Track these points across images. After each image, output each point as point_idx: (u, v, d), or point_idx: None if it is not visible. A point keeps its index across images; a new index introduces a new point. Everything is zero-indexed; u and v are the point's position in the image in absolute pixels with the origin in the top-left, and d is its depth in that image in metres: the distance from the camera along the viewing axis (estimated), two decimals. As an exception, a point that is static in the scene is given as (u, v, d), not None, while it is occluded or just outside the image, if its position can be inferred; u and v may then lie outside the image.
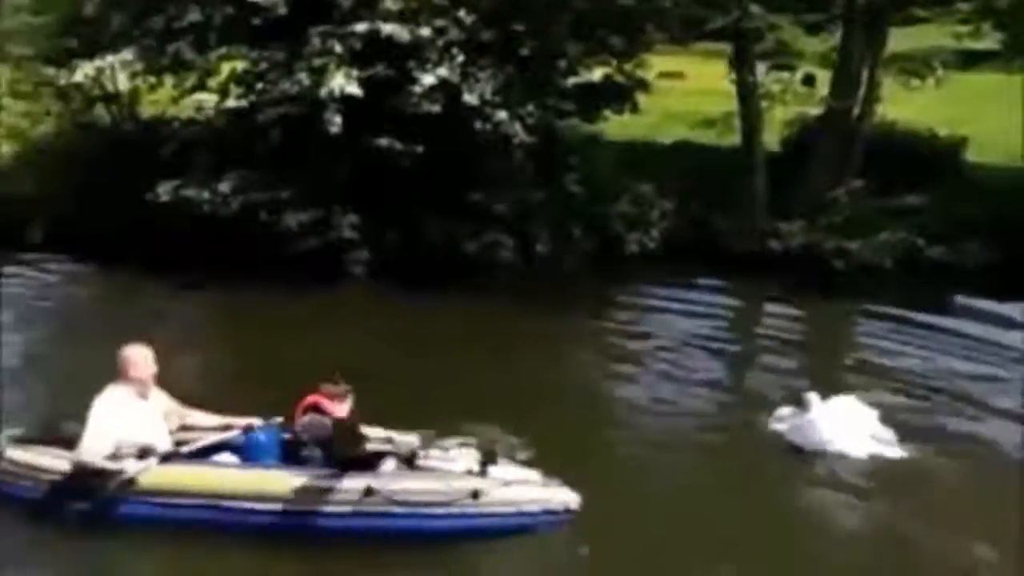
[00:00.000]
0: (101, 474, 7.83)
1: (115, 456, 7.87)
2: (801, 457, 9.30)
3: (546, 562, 7.67)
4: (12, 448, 8.31)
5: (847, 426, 9.43)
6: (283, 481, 7.75)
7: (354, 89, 14.31)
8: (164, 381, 8.37)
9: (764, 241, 15.95)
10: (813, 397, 9.67)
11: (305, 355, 11.07)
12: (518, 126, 15.09)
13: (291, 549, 7.58)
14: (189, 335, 12.98)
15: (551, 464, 8.15)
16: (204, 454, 8.21)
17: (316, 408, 8.03)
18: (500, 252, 15.63)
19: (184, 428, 8.38)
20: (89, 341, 11.68)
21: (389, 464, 8.01)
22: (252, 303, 13.77)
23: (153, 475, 7.83)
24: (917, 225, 15.53)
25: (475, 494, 7.66)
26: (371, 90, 14.47)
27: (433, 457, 7.98)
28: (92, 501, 7.85)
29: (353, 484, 7.66)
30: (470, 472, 7.83)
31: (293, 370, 9.26)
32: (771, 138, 17.55)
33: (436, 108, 14.66)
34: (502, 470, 7.91)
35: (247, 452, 8.21)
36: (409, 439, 8.16)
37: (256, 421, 8.32)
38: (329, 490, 7.68)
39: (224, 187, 14.68)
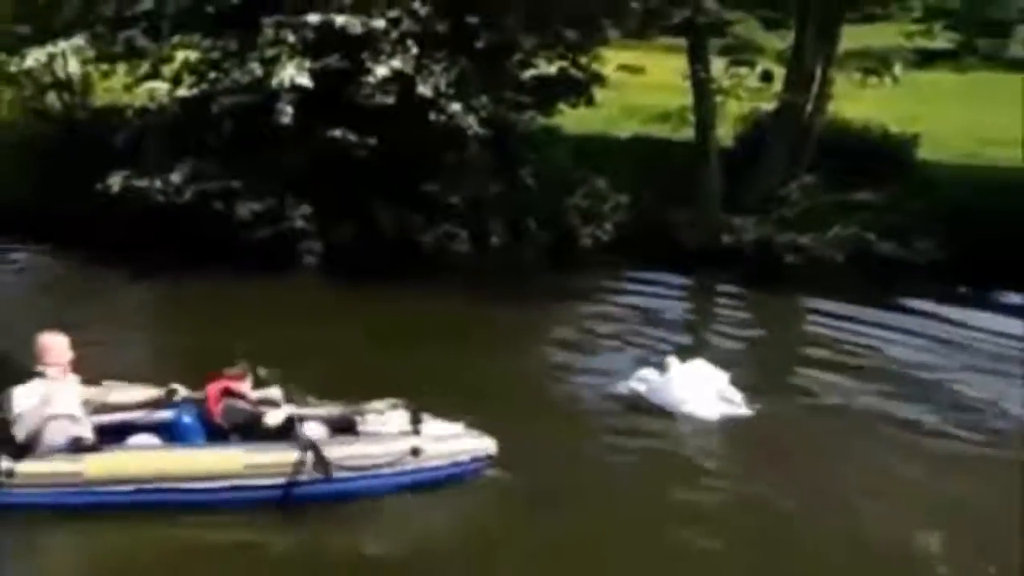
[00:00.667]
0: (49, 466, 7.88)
1: (47, 447, 7.92)
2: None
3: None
4: None
5: (700, 388, 10.22)
6: (235, 458, 8.05)
7: (305, 80, 14.29)
8: (105, 364, 8.57)
9: (717, 235, 16.04)
10: (672, 360, 10.43)
11: (252, 343, 10.94)
12: (472, 118, 15.09)
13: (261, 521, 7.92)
14: (135, 320, 12.91)
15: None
16: (126, 432, 8.37)
17: (228, 392, 8.36)
18: (454, 244, 15.68)
19: (105, 407, 8.42)
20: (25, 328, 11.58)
21: (315, 428, 8.45)
22: (202, 290, 13.72)
23: (97, 464, 7.92)
24: (868, 220, 15.66)
25: (415, 451, 8.30)
26: (324, 81, 14.45)
27: (370, 422, 8.52)
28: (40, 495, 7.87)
29: (303, 456, 8.03)
30: (404, 432, 8.42)
31: (234, 356, 9.25)
32: (726, 133, 17.64)
33: (390, 100, 14.66)
34: (431, 426, 8.56)
35: (175, 432, 8.36)
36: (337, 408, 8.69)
37: (177, 386, 8.42)
38: (282, 463, 8.01)
39: (176, 177, 14.61)
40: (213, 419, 8.31)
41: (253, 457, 8.07)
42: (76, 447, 7.99)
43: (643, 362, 11.00)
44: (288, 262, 14.83)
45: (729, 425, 9.99)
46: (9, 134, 17.41)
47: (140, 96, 16.33)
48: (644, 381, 10.43)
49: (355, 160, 14.80)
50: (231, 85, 14.67)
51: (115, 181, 14.66)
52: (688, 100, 17.13)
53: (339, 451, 8.18)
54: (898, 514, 8.22)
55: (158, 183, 14.63)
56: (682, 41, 17.71)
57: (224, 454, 8.13)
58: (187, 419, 8.39)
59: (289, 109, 14.29)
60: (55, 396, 8.08)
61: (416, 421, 8.55)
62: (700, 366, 10.48)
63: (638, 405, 10.24)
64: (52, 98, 17.55)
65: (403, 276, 14.10)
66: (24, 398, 8.03)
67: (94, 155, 15.23)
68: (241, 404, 8.34)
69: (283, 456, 8.07)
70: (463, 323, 12.84)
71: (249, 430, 8.22)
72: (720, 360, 10.70)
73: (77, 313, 11.84)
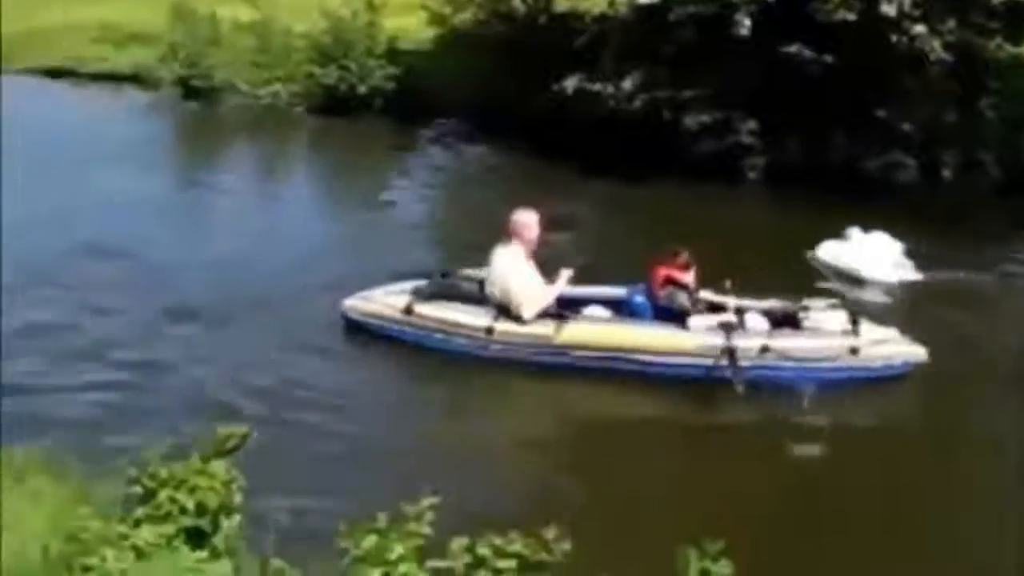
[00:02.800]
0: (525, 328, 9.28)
1: (523, 311, 9.27)
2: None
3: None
4: (419, 304, 9.50)
5: (879, 256, 11.76)
6: (687, 339, 9.15)
7: (766, -8, 14.12)
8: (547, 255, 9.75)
9: None
10: (855, 231, 12.02)
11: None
12: (936, 42, 14.37)
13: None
14: (577, 217, 13.44)
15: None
16: (579, 305, 9.60)
17: (671, 281, 9.38)
18: (900, 173, 15.09)
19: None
20: (478, 209, 13.08)
21: (756, 319, 9.46)
22: (643, 197, 14.05)
23: (566, 331, 9.22)
24: None
25: (853, 350, 9.15)
26: (787, -5, 14.21)
27: (812, 319, 9.41)
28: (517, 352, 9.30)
29: (751, 343, 9.11)
30: (845, 332, 9.26)
31: (677, 248, 9.76)
32: None
33: (851, 17, 14.20)
34: (868, 329, 9.37)
35: (628, 310, 9.54)
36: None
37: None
38: (739, 347, 9.02)
39: (628, 84, 14.94)
40: (658, 301, 9.40)
41: (694, 339, 9.11)
42: (547, 313, 9.26)
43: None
44: (731, 177, 14.83)
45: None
46: (474, 35, 18.38)
47: (599, 2, 16.80)
48: (828, 250, 11.96)
49: (808, 78, 14.50)
50: (691, -6, 14.74)
51: (570, 84, 15.20)
52: None
53: (782, 342, 9.12)
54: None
55: (610, 88, 15.03)
56: None
57: (672, 334, 9.20)
58: (639, 299, 9.52)
59: (747, 21, 14.20)
60: (528, 266, 9.38)
61: (855, 323, 9.33)
62: (881, 237, 11.94)
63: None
64: (517, 1, 18.33)
65: (848, 200, 13.73)
66: (504, 264, 9.32)
67: (553, 58, 15.81)
68: (682, 293, 9.33)
69: (713, 341, 9.06)
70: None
71: (684, 315, 9.28)
72: None
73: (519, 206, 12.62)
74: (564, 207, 13.35)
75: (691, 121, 14.86)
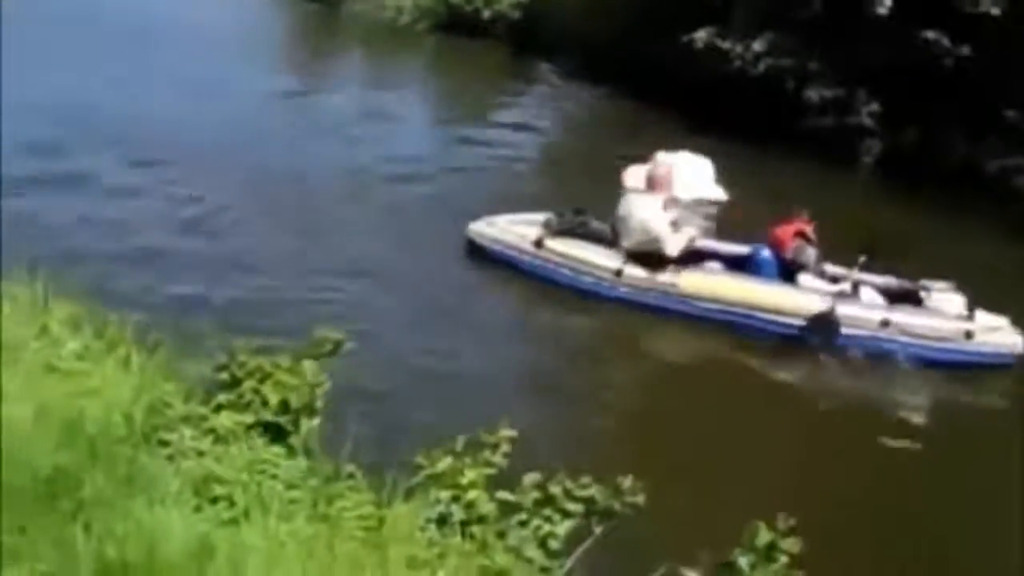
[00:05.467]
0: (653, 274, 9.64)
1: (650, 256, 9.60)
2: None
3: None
4: (550, 238, 9.80)
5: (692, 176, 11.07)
6: (807, 300, 9.39)
7: (910, -26, 13.72)
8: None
9: None
10: (660, 154, 11.21)
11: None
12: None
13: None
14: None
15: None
16: (700, 259, 9.91)
17: (801, 234, 9.67)
18: (1018, 178, 14.64)
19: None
20: (585, 150, 13.37)
21: (871, 293, 9.69)
22: (753, 161, 13.74)
23: (691, 280, 9.59)
24: None
25: (968, 334, 9.35)
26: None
27: (933, 299, 9.60)
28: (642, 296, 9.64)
29: (872, 315, 9.36)
30: (961, 316, 9.49)
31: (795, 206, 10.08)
32: None
33: (995, 11, 13.76)
34: (982, 315, 9.54)
35: (753, 267, 9.76)
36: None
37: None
38: (855, 316, 9.31)
39: (758, 46, 14.67)
40: (784, 257, 9.67)
41: (814, 300, 9.34)
42: (673, 261, 9.61)
43: None
44: (844, 155, 14.50)
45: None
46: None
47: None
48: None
49: (939, 67, 14.11)
50: (835, -36, 14.39)
51: (700, 37, 15.00)
52: None
53: (903, 317, 9.38)
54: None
55: (739, 48, 14.78)
56: None
57: (793, 293, 9.48)
58: (765, 255, 9.77)
59: (888, 0, 13.83)
60: (659, 213, 9.67)
61: (971, 308, 9.54)
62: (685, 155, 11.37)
63: None
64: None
65: (960, 199, 13.34)
66: (643, 210, 9.61)
67: (683, 7, 15.54)
68: (810, 247, 9.63)
69: (850, 310, 9.35)
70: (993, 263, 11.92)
71: (805, 268, 9.59)
72: None
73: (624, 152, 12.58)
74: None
75: (813, 94, 14.59)
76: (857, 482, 7.54)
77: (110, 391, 4.69)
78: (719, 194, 11.27)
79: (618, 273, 9.65)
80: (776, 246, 9.77)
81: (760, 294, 9.50)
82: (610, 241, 9.82)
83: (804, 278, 9.58)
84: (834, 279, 9.74)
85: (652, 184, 9.84)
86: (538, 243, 9.86)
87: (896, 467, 7.84)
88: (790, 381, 9.06)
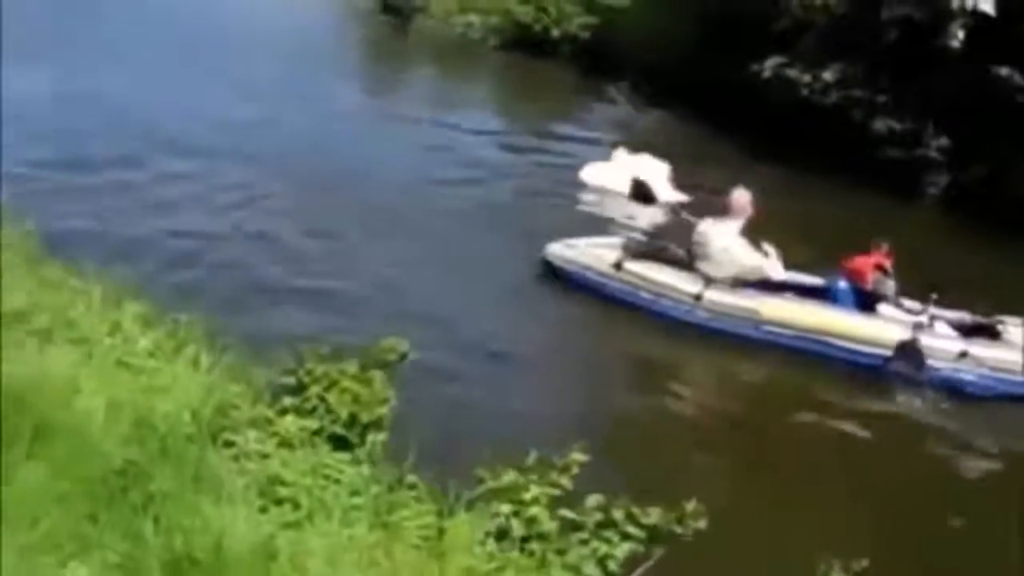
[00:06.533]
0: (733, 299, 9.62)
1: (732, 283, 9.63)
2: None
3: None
4: (629, 261, 9.88)
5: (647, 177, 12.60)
6: (890, 330, 9.36)
7: (988, 7, 13.62)
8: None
9: None
10: (620, 151, 13.07)
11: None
12: None
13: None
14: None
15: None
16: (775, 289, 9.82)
17: (880, 267, 9.67)
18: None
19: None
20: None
21: (944, 328, 9.57)
22: (818, 189, 13.67)
23: (772, 307, 9.55)
24: None
25: None
26: (1006, 10, 13.64)
27: (1011, 332, 9.51)
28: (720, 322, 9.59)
29: (950, 346, 9.31)
30: None
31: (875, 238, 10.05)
32: None
33: (1071, 49, 13.62)
34: None
35: (830, 297, 9.70)
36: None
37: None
38: (933, 347, 9.29)
39: (828, 76, 14.61)
40: (863, 288, 9.65)
41: (892, 331, 9.33)
42: (755, 288, 9.61)
43: None
44: (909, 188, 14.36)
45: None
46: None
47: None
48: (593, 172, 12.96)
49: (1010, 102, 13.94)
50: (910, -5, 14.33)
51: (769, 66, 14.96)
52: None
53: (982, 350, 9.32)
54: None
55: (808, 77, 14.72)
56: None
57: (874, 323, 9.45)
58: (843, 286, 9.69)
59: (961, 33, 13.76)
60: (740, 241, 9.68)
61: None
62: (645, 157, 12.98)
63: None
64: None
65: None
66: (718, 236, 9.62)
67: (749, 35, 15.53)
68: (890, 280, 9.54)
69: (933, 341, 9.33)
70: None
71: (884, 301, 9.58)
72: None
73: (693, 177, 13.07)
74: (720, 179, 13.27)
75: (881, 125, 14.47)
76: (933, 519, 7.43)
77: (180, 390, 4.76)
78: (677, 195, 12.58)
79: (698, 298, 9.64)
80: (853, 278, 9.75)
81: (843, 323, 9.45)
82: (687, 265, 9.82)
83: (885, 308, 9.57)
84: (910, 312, 9.71)
85: (727, 210, 9.83)
86: (617, 266, 9.87)
87: (976, 505, 7.67)
88: (867, 411, 8.95)
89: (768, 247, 9.85)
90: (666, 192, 12.79)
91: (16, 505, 3.66)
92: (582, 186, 13.20)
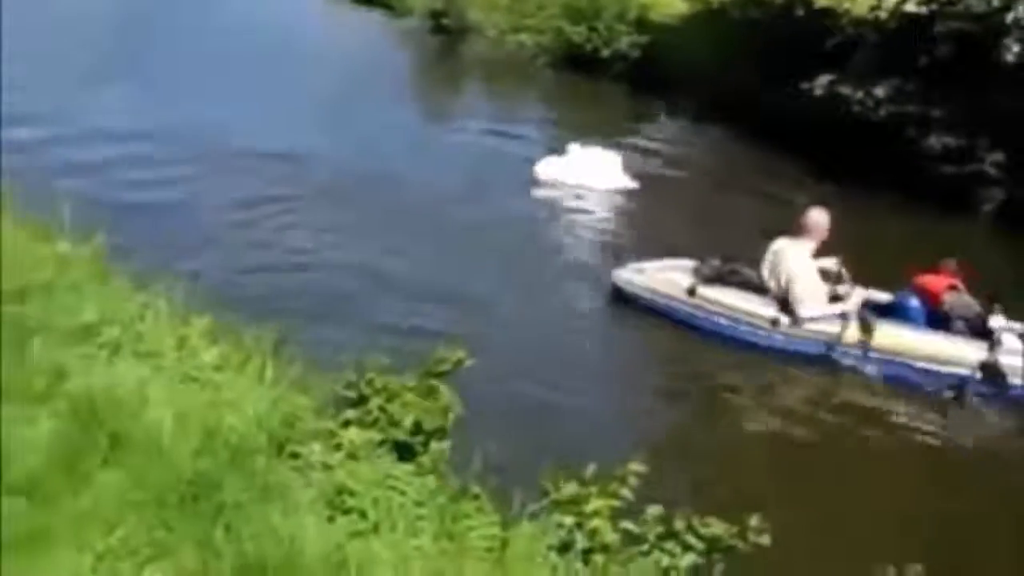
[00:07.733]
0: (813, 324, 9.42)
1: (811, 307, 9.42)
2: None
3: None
4: (702, 285, 9.77)
5: (597, 167, 13.24)
6: (969, 350, 9.17)
7: (1043, 22, 13.52)
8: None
9: None
10: (573, 146, 13.44)
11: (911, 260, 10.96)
12: None
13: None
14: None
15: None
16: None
17: (955, 287, 9.46)
18: None
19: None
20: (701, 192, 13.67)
21: (1012, 340, 9.26)
22: (869, 208, 13.57)
23: (855, 330, 9.35)
24: None
25: None
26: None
27: None
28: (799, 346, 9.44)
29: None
30: None
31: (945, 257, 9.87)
32: None
33: None
34: None
35: (899, 313, 9.55)
36: None
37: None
38: (1011, 365, 9.07)
39: (880, 92, 14.55)
40: (935, 307, 9.43)
41: (971, 351, 9.14)
42: (835, 313, 9.41)
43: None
44: (963, 204, 14.25)
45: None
46: (726, 17, 18.19)
47: (861, 4, 16.34)
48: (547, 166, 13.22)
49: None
50: (961, 10, 14.27)
51: (820, 84, 14.90)
52: None
53: None
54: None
55: (859, 94, 14.67)
56: None
57: (957, 344, 9.25)
58: (914, 304, 9.52)
59: (1016, 47, 13.68)
60: (815, 264, 9.56)
61: None
62: (598, 151, 13.46)
63: None
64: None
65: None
66: (791, 259, 9.46)
67: (800, 53, 15.51)
68: (968, 299, 9.41)
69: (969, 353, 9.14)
70: None
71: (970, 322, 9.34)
72: None
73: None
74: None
75: (935, 141, 14.37)
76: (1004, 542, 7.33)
77: (246, 403, 4.85)
78: (626, 182, 13.17)
79: (774, 322, 9.49)
80: (924, 296, 9.56)
81: (922, 343, 9.29)
82: (759, 288, 9.67)
83: (959, 325, 9.38)
84: (1011, 331, 9.48)
85: (802, 230, 9.62)
86: (691, 291, 9.74)
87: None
88: (935, 430, 8.79)
89: (847, 284, 9.68)
90: (622, 180, 13.39)
91: (93, 511, 3.76)
92: (638, 203, 13.29)
